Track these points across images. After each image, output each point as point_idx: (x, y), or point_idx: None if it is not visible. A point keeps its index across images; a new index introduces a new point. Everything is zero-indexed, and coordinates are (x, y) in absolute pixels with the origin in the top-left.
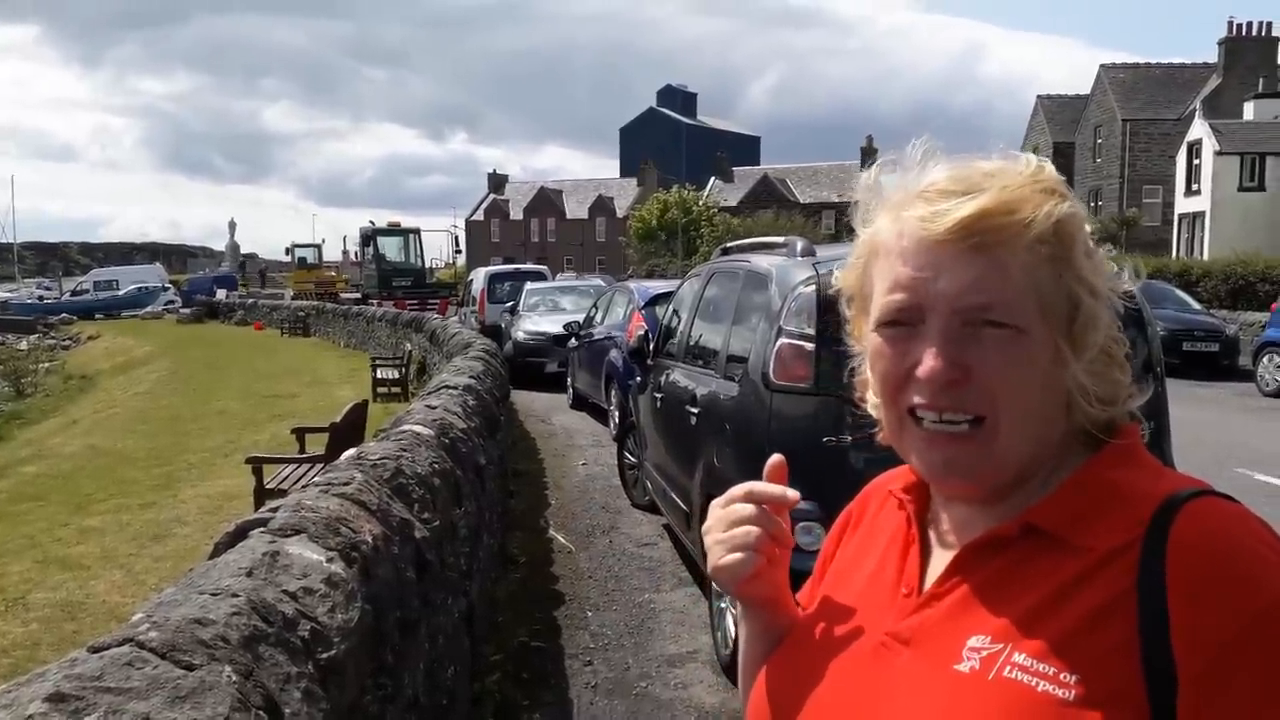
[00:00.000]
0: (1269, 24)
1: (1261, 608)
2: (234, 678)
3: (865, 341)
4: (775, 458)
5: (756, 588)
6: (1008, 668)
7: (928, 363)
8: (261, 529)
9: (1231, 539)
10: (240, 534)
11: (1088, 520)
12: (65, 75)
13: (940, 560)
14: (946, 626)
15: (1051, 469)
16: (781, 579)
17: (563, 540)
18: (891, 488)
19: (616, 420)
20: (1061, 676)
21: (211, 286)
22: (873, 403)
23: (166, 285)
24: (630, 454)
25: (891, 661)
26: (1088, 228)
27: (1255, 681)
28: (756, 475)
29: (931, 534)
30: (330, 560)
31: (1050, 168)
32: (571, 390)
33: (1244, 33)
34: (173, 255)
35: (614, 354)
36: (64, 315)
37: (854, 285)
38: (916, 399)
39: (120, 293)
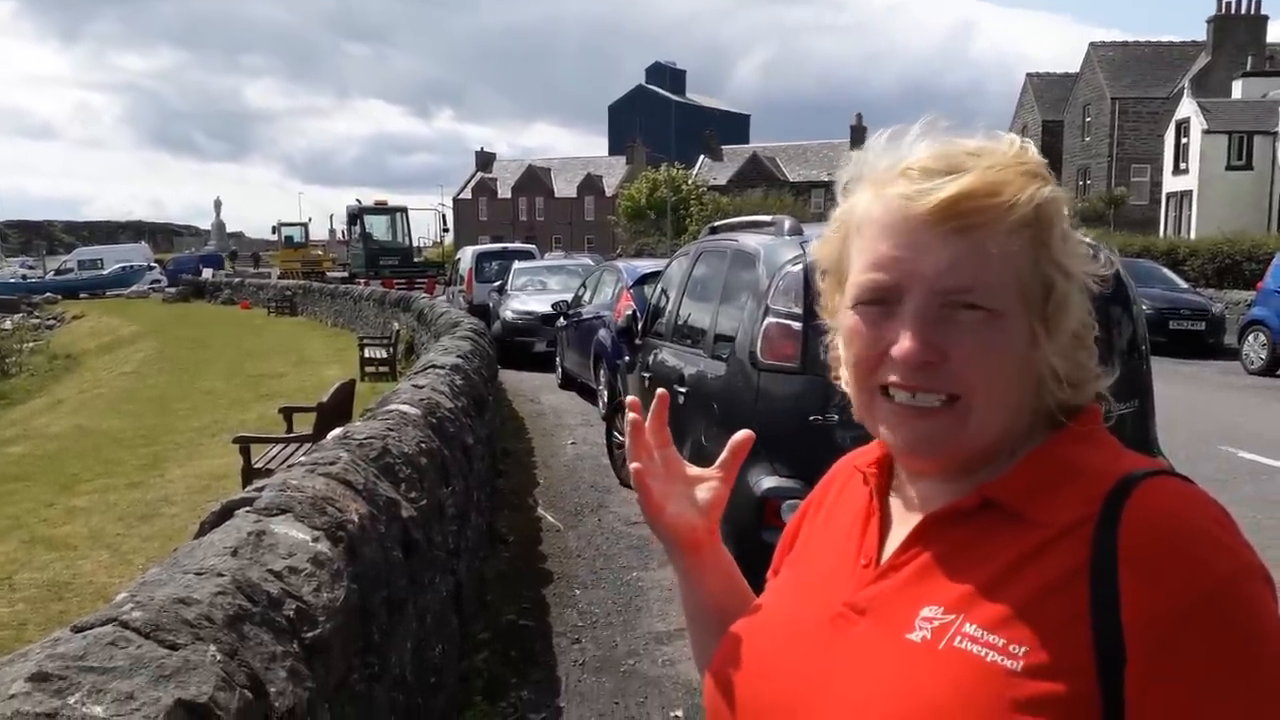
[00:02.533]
0: (1258, 2)
1: (1209, 587)
2: (218, 657)
3: (839, 317)
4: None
5: (667, 527)
6: (958, 638)
7: (904, 344)
8: (247, 508)
9: (1184, 518)
10: (226, 513)
11: (1045, 495)
12: (43, 51)
13: (901, 533)
14: (901, 596)
15: (1014, 447)
16: (700, 526)
17: (551, 519)
18: (856, 463)
19: (605, 399)
20: (1011, 648)
21: (197, 265)
22: (846, 379)
23: (152, 264)
24: (619, 433)
25: (847, 631)
26: (1066, 211)
27: (1200, 659)
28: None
29: (894, 508)
30: (316, 540)
31: (1033, 149)
32: (560, 370)
33: (1233, 10)
34: (158, 234)
35: (603, 333)
36: (48, 294)
37: (830, 259)
38: (891, 377)
39: (105, 272)
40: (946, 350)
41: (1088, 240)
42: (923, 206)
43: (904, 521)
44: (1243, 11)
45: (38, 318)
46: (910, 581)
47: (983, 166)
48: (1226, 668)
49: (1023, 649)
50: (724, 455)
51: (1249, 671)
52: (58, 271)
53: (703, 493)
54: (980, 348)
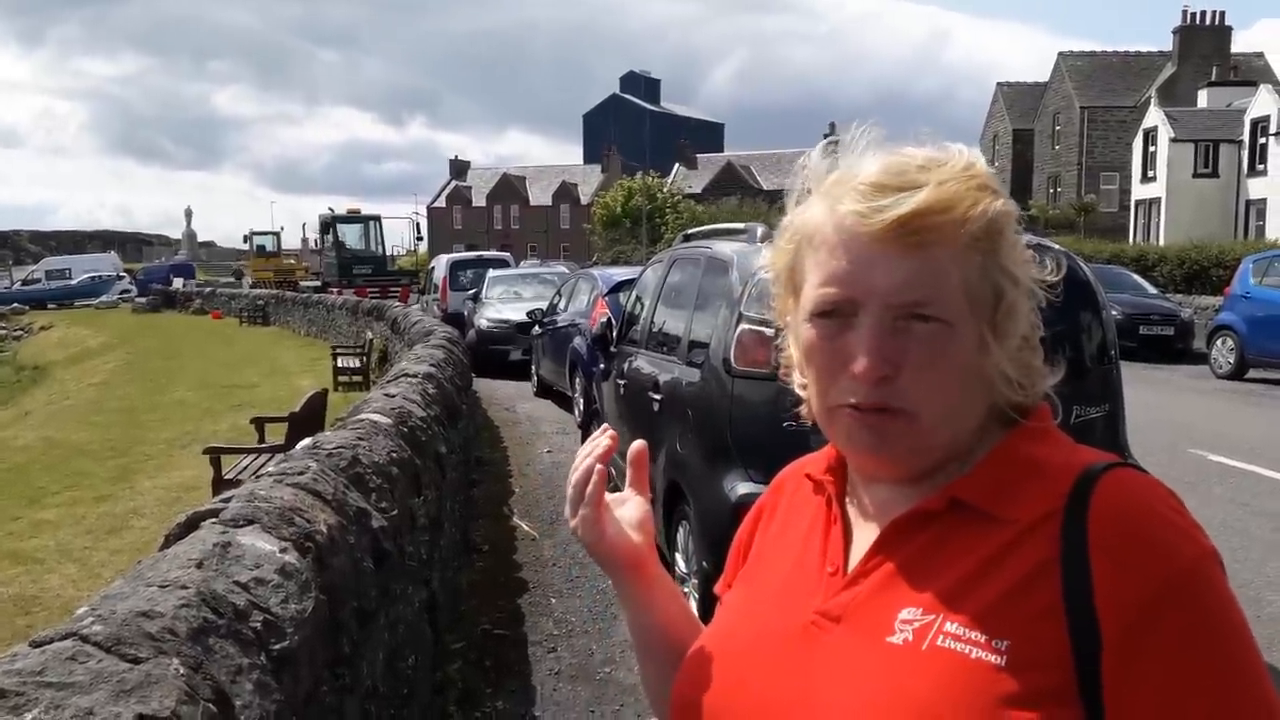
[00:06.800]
0: (1222, 13)
1: (1176, 570)
2: (182, 670)
3: (795, 326)
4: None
5: (608, 550)
6: (940, 637)
7: (860, 362)
8: (213, 520)
9: (1148, 507)
10: (191, 525)
11: (1010, 493)
12: (4, 56)
13: (864, 539)
14: (877, 601)
15: (970, 448)
16: (639, 544)
17: (526, 528)
18: (808, 471)
19: (581, 407)
20: (993, 643)
21: (168, 275)
22: (799, 382)
23: (121, 274)
24: None
25: (822, 639)
26: (1016, 219)
27: (1171, 639)
28: (718, 460)
29: (852, 514)
30: (283, 550)
31: (981, 161)
32: (536, 378)
33: (1198, 21)
34: (127, 243)
35: (578, 341)
36: (15, 305)
37: (783, 268)
38: (850, 399)
39: (73, 282)
40: (900, 362)
41: (1038, 244)
42: (876, 224)
43: (864, 528)
44: (1207, 23)
45: (4, 329)
46: (884, 585)
47: (935, 182)
48: (1197, 647)
49: (1004, 644)
50: (629, 473)
51: (1218, 650)
52: (25, 282)
53: (628, 511)
54: (931, 358)
